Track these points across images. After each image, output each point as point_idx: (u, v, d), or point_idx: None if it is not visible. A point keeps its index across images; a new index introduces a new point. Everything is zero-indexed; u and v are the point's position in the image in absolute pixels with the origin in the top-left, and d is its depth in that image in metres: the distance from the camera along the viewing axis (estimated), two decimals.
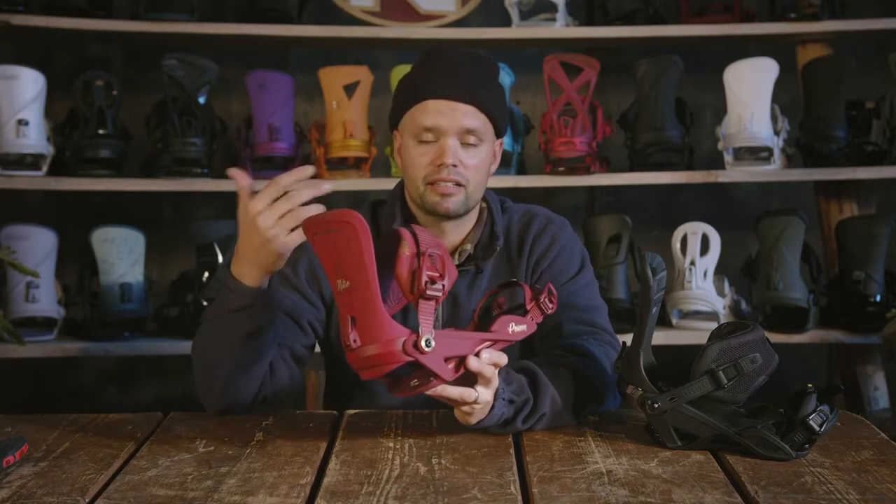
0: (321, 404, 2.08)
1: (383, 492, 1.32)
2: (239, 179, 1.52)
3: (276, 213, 1.48)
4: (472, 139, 1.72)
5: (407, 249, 1.36)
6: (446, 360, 1.42)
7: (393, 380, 1.43)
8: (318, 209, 1.48)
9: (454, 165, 1.70)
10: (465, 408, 1.49)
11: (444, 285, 1.37)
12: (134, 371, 3.49)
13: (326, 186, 1.52)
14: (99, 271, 2.96)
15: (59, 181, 2.96)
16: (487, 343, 1.47)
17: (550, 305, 1.52)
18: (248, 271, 1.55)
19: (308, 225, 1.40)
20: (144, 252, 3.02)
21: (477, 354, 1.45)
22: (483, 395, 1.48)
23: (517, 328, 1.49)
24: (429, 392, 1.43)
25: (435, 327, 1.38)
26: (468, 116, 1.71)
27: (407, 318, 1.72)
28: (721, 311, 2.94)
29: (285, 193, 1.49)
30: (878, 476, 1.38)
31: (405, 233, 1.38)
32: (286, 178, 1.50)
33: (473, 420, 1.52)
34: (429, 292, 1.36)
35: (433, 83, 1.71)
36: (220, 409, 1.67)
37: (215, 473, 1.40)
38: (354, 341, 1.37)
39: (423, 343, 1.36)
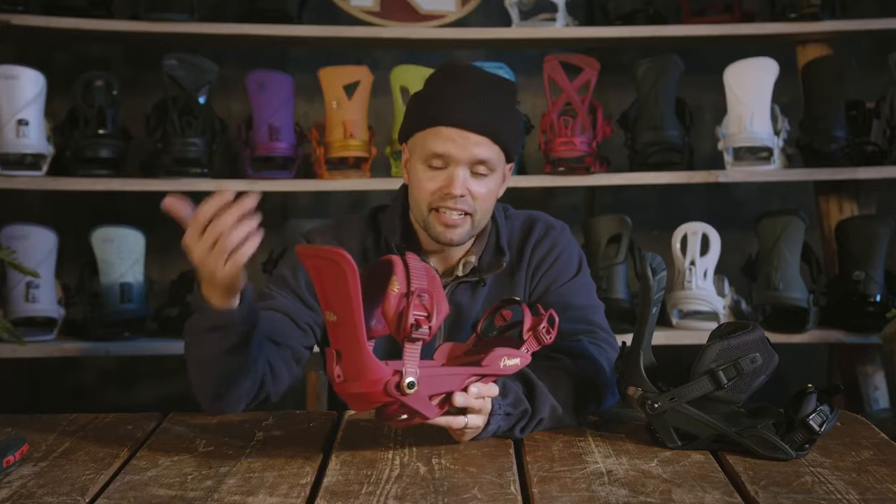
0: (321, 404, 2.08)
1: (383, 492, 1.32)
2: (174, 211, 1.43)
3: (204, 247, 1.40)
4: (482, 169, 1.68)
5: (396, 287, 1.35)
6: (432, 396, 1.42)
7: (383, 409, 1.43)
8: (249, 227, 1.39)
9: (462, 196, 1.68)
10: (456, 431, 1.50)
11: (430, 327, 1.36)
12: (134, 371, 3.48)
13: (253, 197, 1.40)
14: (99, 271, 2.96)
15: (59, 181, 2.96)
16: (475, 378, 1.47)
17: (548, 337, 1.51)
18: (212, 294, 1.48)
19: (301, 252, 1.39)
20: (144, 252, 3.02)
21: (466, 388, 1.45)
22: (473, 420, 1.49)
23: (510, 362, 1.48)
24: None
25: (436, 337, 1.38)
26: (480, 147, 1.67)
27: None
28: (721, 311, 2.94)
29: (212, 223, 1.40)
30: (878, 476, 1.38)
31: (397, 267, 1.36)
32: (208, 208, 1.40)
33: (466, 439, 1.53)
34: (414, 335, 1.35)
35: (448, 109, 1.66)
36: (217, 411, 1.66)
37: (215, 473, 1.40)
38: (339, 376, 1.38)
39: (405, 386, 1.36)
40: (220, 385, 1.59)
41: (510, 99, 1.74)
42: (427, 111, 1.69)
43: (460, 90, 1.67)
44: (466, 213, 1.69)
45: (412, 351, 1.37)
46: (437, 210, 1.69)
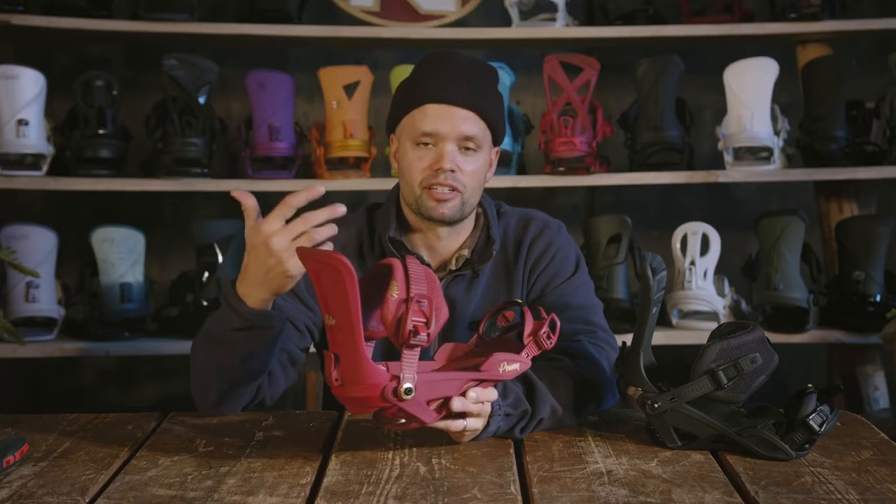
0: (321, 404, 2.08)
1: (383, 492, 1.32)
2: (244, 199, 1.48)
3: (290, 235, 1.44)
4: (470, 145, 1.70)
5: (395, 293, 1.34)
6: (430, 401, 1.42)
7: (381, 412, 1.42)
8: (331, 231, 1.45)
9: (452, 171, 1.69)
10: (455, 433, 1.50)
11: (428, 334, 1.35)
12: (134, 371, 3.49)
13: (341, 209, 1.46)
14: (99, 271, 2.96)
15: (59, 181, 2.96)
16: (473, 383, 1.46)
17: (548, 342, 1.50)
18: (254, 292, 1.50)
19: (302, 254, 1.39)
20: (144, 252, 3.02)
21: (464, 392, 1.45)
22: (472, 424, 1.49)
23: (509, 367, 1.47)
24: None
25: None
26: (468, 122, 1.70)
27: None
28: (721, 311, 2.94)
29: (297, 214, 1.46)
30: (878, 476, 1.38)
31: (397, 272, 1.36)
32: (299, 198, 1.46)
33: (466, 440, 1.53)
34: (412, 342, 1.35)
35: (434, 87, 1.70)
36: (212, 413, 1.66)
37: (215, 473, 1.40)
38: (336, 380, 1.38)
39: (402, 392, 1.36)
40: (227, 385, 1.59)
41: (493, 80, 1.77)
42: (413, 93, 1.73)
43: (444, 70, 1.71)
44: (456, 190, 1.70)
45: (410, 357, 1.36)
46: (428, 188, 1.70)
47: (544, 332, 1.50)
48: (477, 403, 1.47)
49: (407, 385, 1.36)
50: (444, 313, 1.38)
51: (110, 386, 3.52)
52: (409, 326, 1.34)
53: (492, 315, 1.60)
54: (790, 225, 2.96)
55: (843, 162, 3.04)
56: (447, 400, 1.44)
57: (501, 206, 1.87)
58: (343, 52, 3.37)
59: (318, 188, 1.46)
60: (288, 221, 1.46)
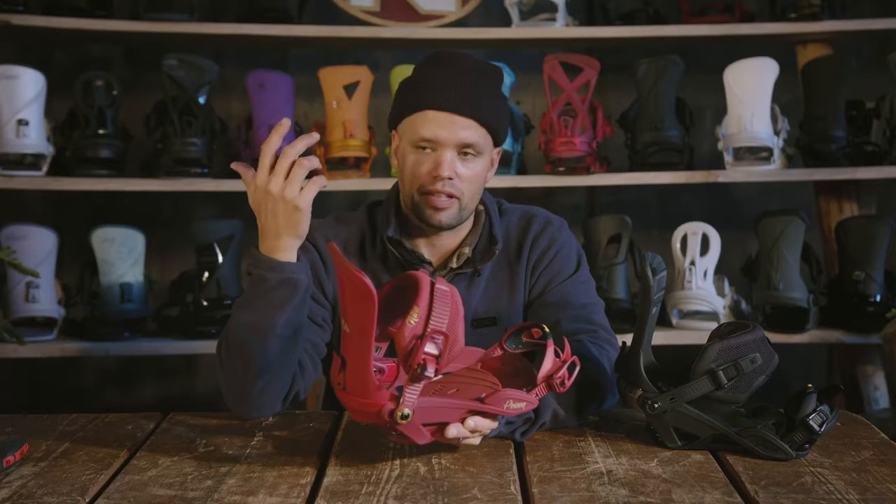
0: (321, 404, 2.08)
1: (383, 492, 1.32)
2: (242, 170, 1.57)
3: (280, 175, 1.52)
4: (469, 152, 1.70)
5: (413, 320, 1.31)
6: (427, 424, 1.41)
7: (377, 424, 1.41)
8: (314, 160, 1.53)
9: (450, 178, 1.69)
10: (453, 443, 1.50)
11: (436, 369, 1.32)
12: (134, 371, 3.49)
13: (315, 136, 1.56)
14: (99, 271, 2.96)
15: (59, 181, 2.96)
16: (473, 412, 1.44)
17: (562, 388, 1.45)
18: (277, 244, 1.56)
19: (332, 255, 1.37)
20: (144, 252, 3.02)
21: (463, 419, 1.43)
22: (468, 441, 1.48)
23: (514, 405, 1.43)
24: None
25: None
26: (467, 130, 1.68)
27: None
28: (721, 311, 2.94)
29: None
30: (878, 476, 1.38)
31: (421, 298, 1.31)
32: (297, 147, 1.53)
33: (464, 445, 1.51)
34: (419, 374, 1.32)
35: (435, 92, 1.68)
36: (253, 414, 1.64)
37: (215, 473, 1.40)
38: (339, 384, 1.37)
39: (398, 416, 1.34)
40: (265, 374, 1.57)
41: (496, 83, 1.76)
42: (414, 96, 1.71)
43: (446, 75, 1.70)
44: (454, 197, 1.70)
45: (414, 387, 1.34)
46: (426, 194, 1.70)
47: (559, 378, 1.45)
48: (474, 431, 1.45)
49: (406, 411, 1.34)
50: (460, 345, 1.35)
51: (110, 386, 3.52)
52: (420, 359, 1.31)
53: (516, 331, 1.56)
54: (790, 225, 2.96)
55: (843, 162, 3.04)
56: (445, 423, 1.42)
57: (503, 204, 1.87)
58: (343, 52, 3.37)
59: (314, 135, 1.56)
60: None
